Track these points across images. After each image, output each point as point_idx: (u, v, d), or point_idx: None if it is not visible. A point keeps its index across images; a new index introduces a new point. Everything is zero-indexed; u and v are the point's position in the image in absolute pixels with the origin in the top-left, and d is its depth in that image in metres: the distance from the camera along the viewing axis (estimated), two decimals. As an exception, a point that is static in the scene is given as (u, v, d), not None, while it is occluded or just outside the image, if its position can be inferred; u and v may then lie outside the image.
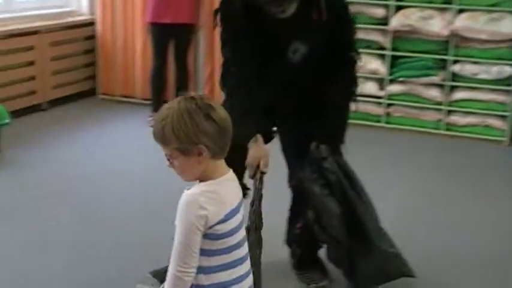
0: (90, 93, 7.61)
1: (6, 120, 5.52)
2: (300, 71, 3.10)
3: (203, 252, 2.03)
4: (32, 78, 6.79)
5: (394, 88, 6.61)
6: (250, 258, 2.25)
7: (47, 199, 4.57)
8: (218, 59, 6.77)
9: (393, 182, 5.15)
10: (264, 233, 2.83)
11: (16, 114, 6.08)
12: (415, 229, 4.27)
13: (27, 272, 3.59)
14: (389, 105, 6.69)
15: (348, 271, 3.27)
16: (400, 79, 6.56)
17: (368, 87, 6.63)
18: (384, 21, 6.54)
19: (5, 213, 4.32)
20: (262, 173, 2.90)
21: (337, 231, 3.06)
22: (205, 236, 2.01)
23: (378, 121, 6.73)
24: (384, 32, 6.56)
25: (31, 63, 6.75)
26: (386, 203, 4.29)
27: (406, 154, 5.94)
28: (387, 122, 6.70)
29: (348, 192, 3.05)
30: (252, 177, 2.92)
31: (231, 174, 2.15)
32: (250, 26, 2.98)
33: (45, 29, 6.87)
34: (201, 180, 2.07)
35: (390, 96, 6.65)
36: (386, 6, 6.51)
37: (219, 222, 2.02)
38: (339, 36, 3.08)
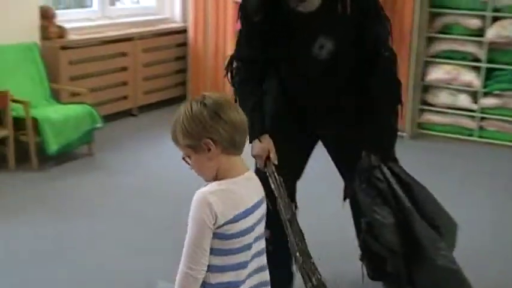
0: (181, 99, 7.69)
1: (98, 124, 5.67)
2: (330, 69, 2.97)
3: (212, 251, 2.00)
4: (125, 83, 6.94)
5: (488, 101, 6.40)
6: (299, 250, 2.20)
7: (133, 201, 4.65)
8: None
9: (485, 196, 4.98)
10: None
11: (108, 118, 6.22)
12: (503, 247, 4.11)
13: (114, 273, 3.66)
14: (482, 118, 6.49)
15: (407, 284, 3.08)
16: (495, 92, 6.35)
17: (461, 100, 6.46)
18: (480, 32, 6.35)
19: (93, 213, 4.44)
20: (275, 165, 2.88)
21: (389, 242, 2.92)
22: (215, 235, 1.99)
23: (471, 135, 6.53)
24: (479, 43, 6.37)
25: (124, 69, 6.90)
26: (477, 218, 4.16)
27: (499, 169, 5.73)
28: (480, 136, 6.49)
29: (402, 200, 2.89)
30: (263, 168, 2.90)
31: (249, 174, 2.12)
32: (270, 21, 2.90)
33: (139, 36, 7.02)
34: (218, 179, 2.05)
35: (484, 110, 6.45)
36: (482, 17, 6.32)
37: (228, 222, 1.99)
38: (367, 32, 2.91)
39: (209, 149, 2.00)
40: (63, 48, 6.19)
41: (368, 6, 2.90)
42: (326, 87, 3.04)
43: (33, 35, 6.07)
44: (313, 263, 2.61)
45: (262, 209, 2.14)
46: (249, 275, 2.10)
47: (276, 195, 2.81)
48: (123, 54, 6.84)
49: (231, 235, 2.00)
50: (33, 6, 6.13)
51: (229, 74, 3.15)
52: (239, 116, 2.05)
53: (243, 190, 2.06)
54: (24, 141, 5.38)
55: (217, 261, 2.01)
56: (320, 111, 3.12)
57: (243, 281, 2.07)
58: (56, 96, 5.99)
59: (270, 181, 2.85)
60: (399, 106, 3.07)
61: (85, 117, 5.58)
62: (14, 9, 5.87)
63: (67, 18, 6.55)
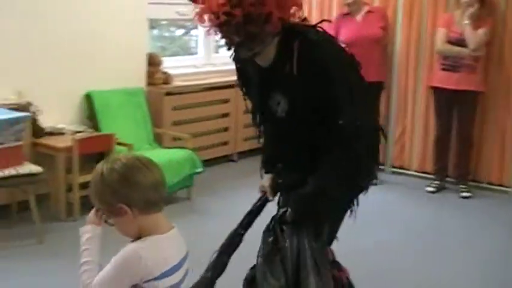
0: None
1: (199, 169, 5.77)
2: (289, 129, 2.85)
3: None
4: (225, 129, 7.04)
5: None
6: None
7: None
8: (410, 117, 6.66)
9: None
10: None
11: (207, 163, 6.29)
12: None
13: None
14: None
15: None
16: None
17: None
18: None
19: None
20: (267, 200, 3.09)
21: None
22: None
23: None
24: None
25: (225, 115, 7.01)
26: None
27: None
28: None
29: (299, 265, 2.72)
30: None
31: (173, 232, 2.13)
32: (246, 71, 2.93)
33: (242, 83, 7.12)
34: (142, 238, 2.05)
35: None
36: None
37: (155, 279, 1.99)
38: (320, 96, 2.67)
39: (125, 213, 2.00)
40: (168, 94, 6.37)
41: (318, 68, 2.65)
42: (290, 148, 2.94)
43: (139, 81, 6.30)
44: None
45: (186, 266, 2.17)
46: None
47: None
48: (225, 101, 6.96)
49: None
50: (142, 53, 6.38)
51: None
52: (151, 175, 2.04)
53: (167, 248, 2.07)
54: (127, 183, 5.45)
55: None
56: (288, 176, 3.01)
57: None
58: (158, 140, 6.17)
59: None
60: (345, 178, 2.76)
61: (186, 162, 5.69)
62: (123, 56, 6.12)
63: (173, 65, 6.74)
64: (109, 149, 5.45)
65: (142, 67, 6.37)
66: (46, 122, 5.46)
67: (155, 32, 7.14)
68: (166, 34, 7.53)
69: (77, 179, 5.20)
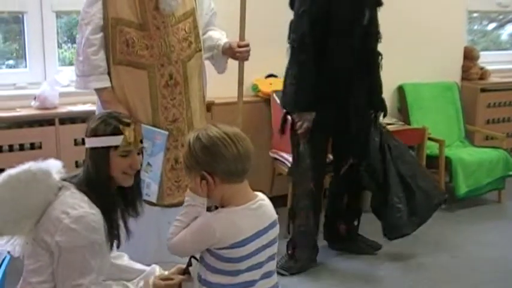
0: None
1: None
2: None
3: (208, 267, 2.16)
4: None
5: None
6: None
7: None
8: None
9: None
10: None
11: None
12: None
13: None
14: None
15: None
16: None
17: None
18: None
19: (495, 263, 4.31)
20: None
21: (378, 175, 3.58)
22: (211, 253, 2.14)
23: None
24: None
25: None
26: None
27: None
28: None
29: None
30: None
31: (256, 202, 2.19)
32: None
33: None
34: (222, 206, 2.17)
35: None
36: None
37: (225, 248, 2.11)
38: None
39: (205, 179, 2.12)
40: (483, 90, 6.01)
41: None
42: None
43: (454, 75, 6.04)
44: None
45: (272, 234, 2.21)
46: None
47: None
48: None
49: (229, 259, 2.13)
50: (459, 46, 5.99)
51: None
52: (234, 148, 2.10)
53: (242, 220, 2.13)
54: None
55: (213, 278, 2.17)
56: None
57: None
58: (470, 138, 6.01)
59: None
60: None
61: (499, 163, 5.45)
62: (439, 48, 5.86)
63: (488, 60, 6.04)
64: (420, 142, 5.33)
65: (458, 61, 5.93)
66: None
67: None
68: (476, 27, 6.58)
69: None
